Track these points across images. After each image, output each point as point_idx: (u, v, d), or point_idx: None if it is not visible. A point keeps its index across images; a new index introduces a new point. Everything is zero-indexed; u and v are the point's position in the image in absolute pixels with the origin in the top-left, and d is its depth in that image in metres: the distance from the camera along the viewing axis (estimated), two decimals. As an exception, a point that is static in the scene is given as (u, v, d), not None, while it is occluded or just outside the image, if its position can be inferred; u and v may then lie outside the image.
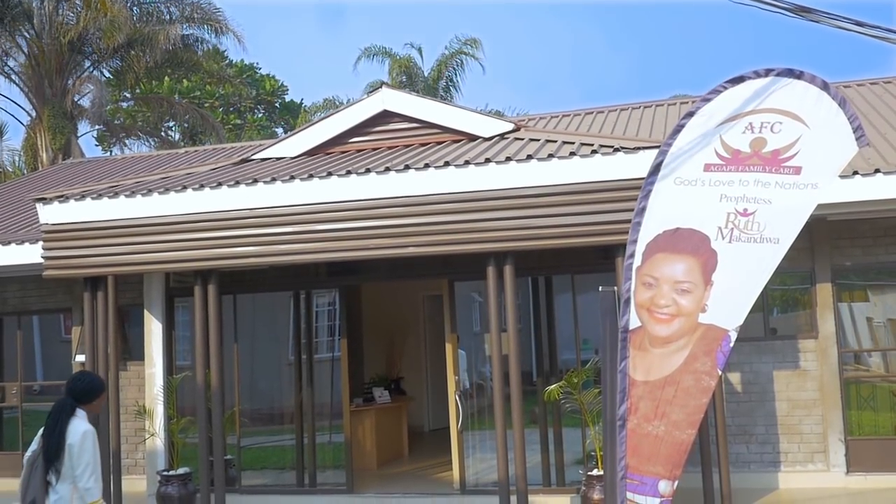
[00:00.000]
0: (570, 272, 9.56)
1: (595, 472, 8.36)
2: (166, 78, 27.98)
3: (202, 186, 8.72)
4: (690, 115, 5.09)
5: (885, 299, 9.85)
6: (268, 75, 34.19)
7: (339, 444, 10.05)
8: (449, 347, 9.54)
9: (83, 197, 9.02)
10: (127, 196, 8.89)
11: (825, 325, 9.63)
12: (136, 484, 10.71)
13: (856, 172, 8.40)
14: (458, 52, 24.64)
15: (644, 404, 5.26)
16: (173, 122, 29.57)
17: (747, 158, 4.97)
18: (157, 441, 9.96)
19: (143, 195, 8.86)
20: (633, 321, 5.31)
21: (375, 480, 10.45)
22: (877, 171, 8.37)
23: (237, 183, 8.63)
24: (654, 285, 5.22)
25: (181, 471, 9.55)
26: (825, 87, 4.74)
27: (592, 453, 8.75)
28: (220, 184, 8.68)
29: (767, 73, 4.86)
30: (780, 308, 10.11)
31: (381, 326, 13.75)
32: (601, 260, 8.76)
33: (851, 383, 9.65)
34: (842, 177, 8.41)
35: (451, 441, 9.57)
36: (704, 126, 5.03)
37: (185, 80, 29.60)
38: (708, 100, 5.05)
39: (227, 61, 31.55)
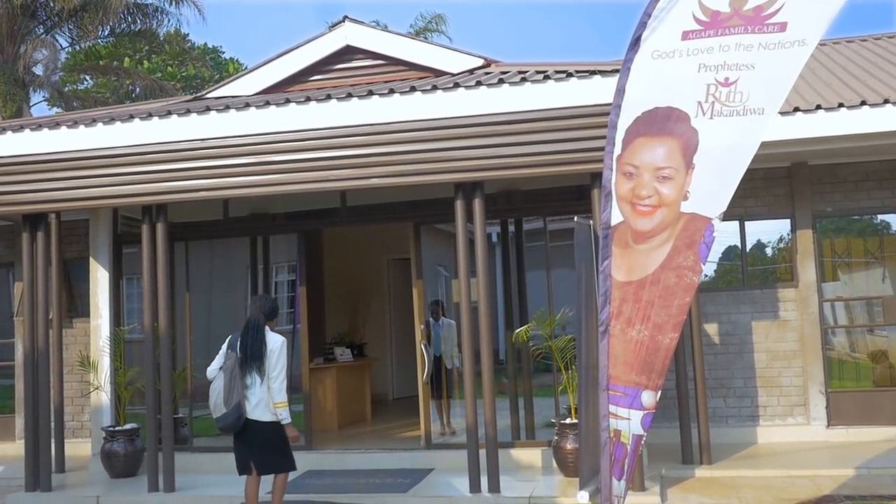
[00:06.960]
0: (543, 215, 9.11)
1: (568, 420, 7.92)
2: (126, 59, 27.14)
3: (150, 116, 8.14)
4: None
5: (865, 244, 9.54)
6: (231, 59, 33.36)
7: (298, 413, 9.40)
8: (415, 292, 9.03)
9: (21, 128, 8.40)
10: (69, 126, 8.28)
11: (806, 274, 9.28)
12: (81, 447, 10.12)
13: (841, 105, 8.05)
14: (424, 29, 24.08)
15: (627, 307, 4.78)
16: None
17: (727, 19, 4.47)
18: (103, 396, 9.28)
19: (86, 125, 8.25)
20: (616, 216, 4.81)
21: (336, 440, 9.88)
22: (863, 103, 8.01)
23: (188, 112, 8.07)
24: (635, 175, 4.72)
25: (127, 426, 8.95)
26: None
27: (566, 407, 8.31)
28: (169, 112, 8.11)
29: None
30: (759, 255, 9.72)
31: (344, 289, 13.19)
32: (576, 201, 8.33)
33: (831, 334, 9.34)
34: (827, 109, 8.08)
35: (419, 393, 9.08)
36: None
37: (145, 62, 28.77)
38: None
39: (189, 44, 30.71)
